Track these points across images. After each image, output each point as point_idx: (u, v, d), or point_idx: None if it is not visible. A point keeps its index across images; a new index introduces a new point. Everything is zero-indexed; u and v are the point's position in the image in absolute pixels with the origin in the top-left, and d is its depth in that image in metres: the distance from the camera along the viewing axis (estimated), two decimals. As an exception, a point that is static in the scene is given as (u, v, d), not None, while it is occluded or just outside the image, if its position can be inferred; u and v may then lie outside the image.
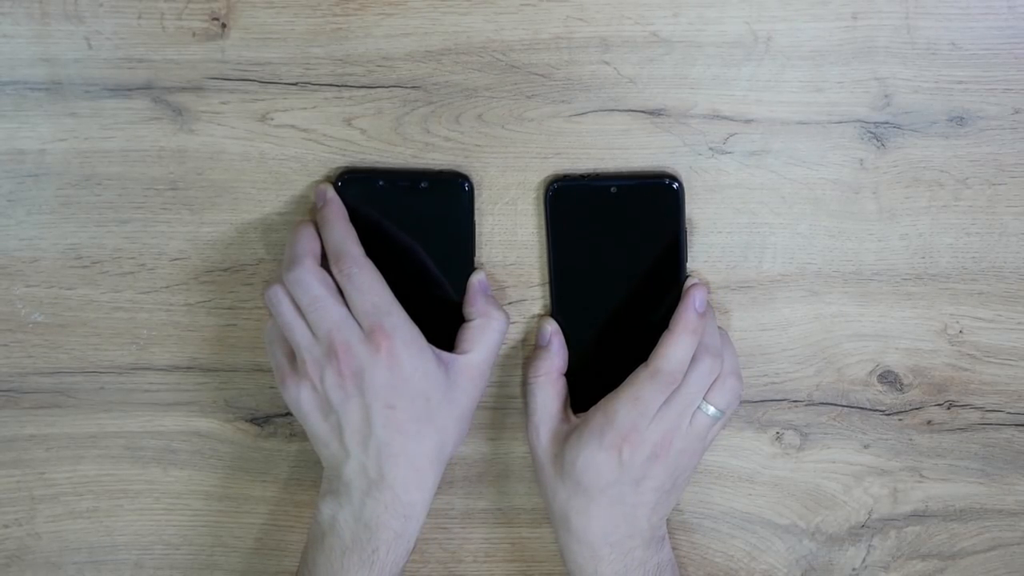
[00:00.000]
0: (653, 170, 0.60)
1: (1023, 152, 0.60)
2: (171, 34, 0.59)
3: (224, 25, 0.59)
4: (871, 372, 0.64)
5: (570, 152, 0.60)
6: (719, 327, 0.61)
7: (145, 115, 0.60)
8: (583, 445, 0.59)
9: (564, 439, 0.60)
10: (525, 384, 0.63)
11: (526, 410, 0.62)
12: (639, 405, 0.58)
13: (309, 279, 0.57)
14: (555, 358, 0.62)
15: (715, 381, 0.59)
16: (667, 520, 0.63)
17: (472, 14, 0.58)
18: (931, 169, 0.60)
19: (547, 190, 0.60)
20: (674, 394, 0.58)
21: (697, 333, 0.59)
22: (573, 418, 0.61)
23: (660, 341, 0.59)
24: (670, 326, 0.59)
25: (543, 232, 0.62)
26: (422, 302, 0.60)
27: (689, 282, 0.60)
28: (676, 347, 0.58)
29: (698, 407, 0.59)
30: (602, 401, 0.60)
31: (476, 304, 0.61)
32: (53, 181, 0.62)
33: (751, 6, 0.58)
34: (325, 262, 0.58)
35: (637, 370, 0.59)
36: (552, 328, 0.62)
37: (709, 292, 0.61)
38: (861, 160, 0.60)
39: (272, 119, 0.60)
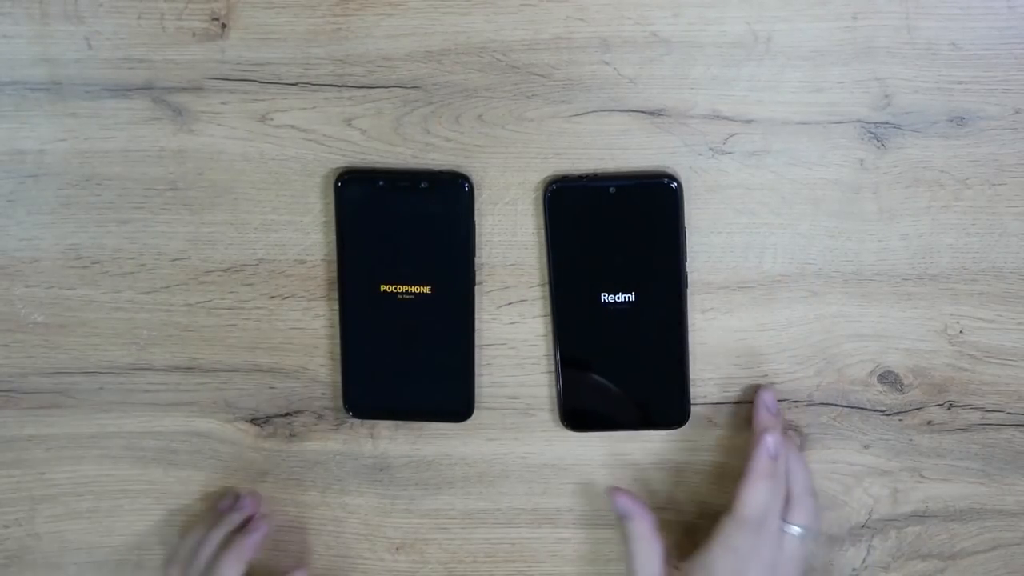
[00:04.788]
0: (652, 170, 0.60)
1: (1023, 152, 0.60)
2: (171, 34, 0.59)
3: (224, 25, 0.59)
4: (871, 372, 0.64)
5: (570, 152, 0.60)
6: (794, 446, 0.62)
7: (145, 115, 0.60)
8: None
9: None
10: (626, 549, 0.62)
11: (628, 572, 0.62)
12: (736, 553, 0.58)
13: None
14: (642, 521, 0.61)
15: (790, 502, 0.60)
16: (667, 520, 0.63)
17: (472, 14, 0.58)
18: (931, 169, 0.60)
19: (546, 190, 0.60)
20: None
21: (773, 477, 0.59)
22: (675, 571, 0.61)
23: (737, 487, 0.59)
24: (745, 472, 0.59)
25: (543, 232, 0.62)
26: (422, 302, 0.60)
27: (763, 422, 0.61)
28: (755, 492, 0.58)
29: (783, 531, 0.59)
30: (695, 556, 0.60)
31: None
32: (53, 181, 0.62)
33: (751, 6, 0.58)
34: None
35: (720, 522, 0.59)
36: (624, 499, 0.62)
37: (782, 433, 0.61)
38: (861, 160, 0.60)
39: (272, 119, 0.60)
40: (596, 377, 0.63)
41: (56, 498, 0.67)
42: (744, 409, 0.64)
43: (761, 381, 0.64)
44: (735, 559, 0.58)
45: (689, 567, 0.60)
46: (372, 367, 0.63)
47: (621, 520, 0.62)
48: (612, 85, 0.59)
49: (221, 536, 0.63)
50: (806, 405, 0.64)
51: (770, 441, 0.59)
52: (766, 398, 0.62)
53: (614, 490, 0.63)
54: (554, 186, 0.60)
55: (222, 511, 0.65)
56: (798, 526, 0.59)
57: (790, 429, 0.64)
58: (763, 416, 0.61)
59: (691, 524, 0.67)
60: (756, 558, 0.58)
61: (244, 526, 0.64)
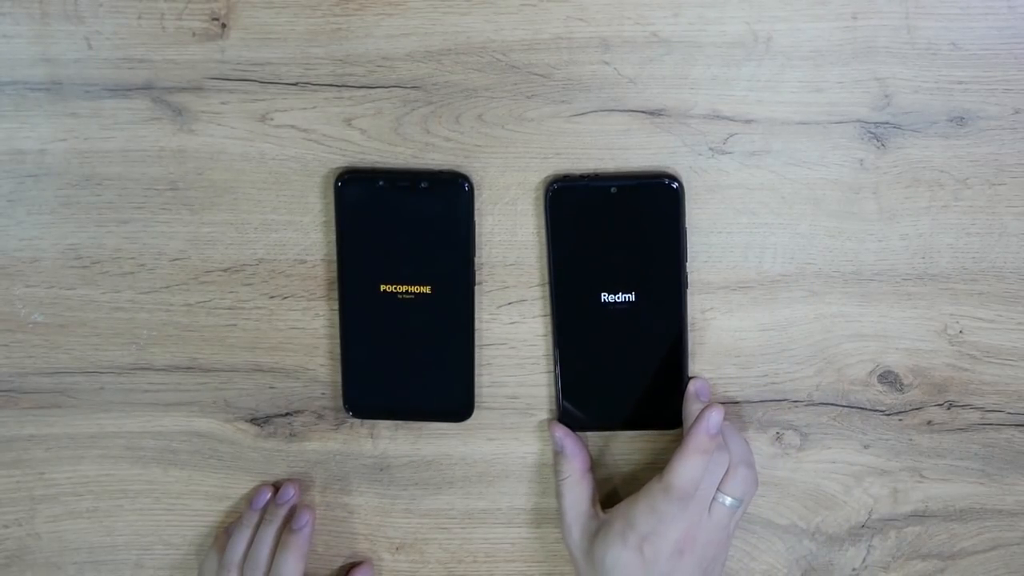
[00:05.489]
0: (653, 170, 0.60)
1: (1023, 152, 0.60)
2: (171, 34, 0.59)
3: (224, 25, 0.59)
4: (871, 372, 0.64)
5: (570, 152, 0.60)
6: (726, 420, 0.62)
7: (145, 115, 0.60)
8: (609, 544, 0.60)
9: (594, 536, 0.61)
10: (556, 486, 0.64)
11: (559, 509, 0.64)
12: (655, 514, 0.59)
13: None
14: (574, 460, 0.63)
15: (727, 472, 0.60)
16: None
17: (472, 14, 0.58)
18: (931, 169, 0.60)
19: (547, 190, 0.60)
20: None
21: (708, 453, 0.59)
22: (602, 514, 0.62)
23: (673, 457, 0.59)
24: (683, 444, 0.59)
25: (543, 232, 0.62)
26: (422, 302, 0.60)
27: (693, 413, 0.60)
28: (688, 467, 0.59)
29: (714, 499, 0.60)
30: (621, 505, 0.61)
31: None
32: (53, 181, 0.62)
33: (751, 6, 0.58)
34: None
35: (651, 482, 0.60)
36: (561, 433, 0.63)
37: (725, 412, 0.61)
38: (861, 160, 0.60)
39: (272, 119, 0.60)
40: (596, 377, 0.63)
41: (56, 498, 0.67)
42: (743, 409, 0.64)
43: (761, 381, 0.64)
44: (656, 520, 0.59)
45: (611, 516, 0.61)
46: (372, 367, 0.63)
47: (556, 456, 0.64)
48: (612, 85, 0.59)
49: (273, 533, 0.64)
50: (806, 405, 0.64)
51: (712, 417, 0.59)
52: (697, 385, 0.62)
53: (554, 424, 0.64)
54: (556, 185, 0.60)
55: (258, 507, 0.65)
56: (730, 496, 0.60)
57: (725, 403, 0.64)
58: (693, 406, 0.61)
59: (691, 524, 0.67)
60: (676, 523, 0.59)
61: (289, 518, 0.65)
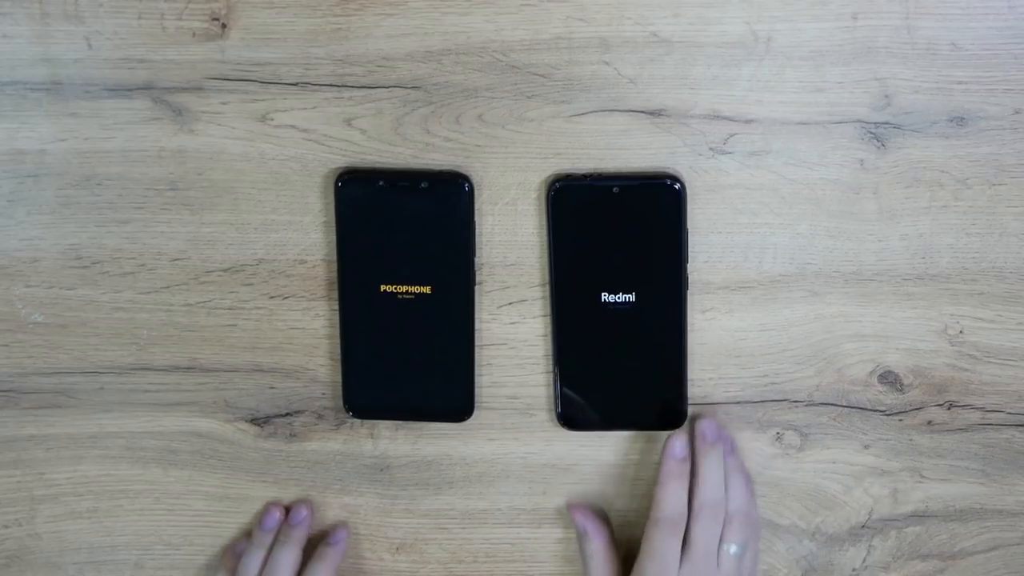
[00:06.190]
0: (655, 171, 0.60)
1: (1023, 152, 0.60)
2: (171, 34, 0.59)
3: (224, 25, 0.59)
4: (871, 372, 0.64)
5: (570, 152, 0.60)
6: (726, 461, 0.62)
7: (145, 115, 0.60)
8: None
9: None
10: (582, 562, 0.64)
11: None
12: (658, 558, 0.60)
13: None
14: (597, 538, 0.63)
15: (724, 523, 0.61)
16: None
17: (472, 14, 0.58)
18: (931, 169, 0.60)
19: (549, 190, 0.60)
20: (689, 551, 0.60)
21: (682, 476, 0.61)
22: None
23: (653, 493, 0.61)
24: (658, 478, 0.61)
25: (543, 232, 0.62)
26: (422, 302, 0.60)
27: (708, 438, 0.62)
28: (666, 494, 0.61)
29: (719, 551, 0.60)
30: (634, 566, 0.61)
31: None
32: (53, 181, 0.62)
33: (751, 6, 0.58)
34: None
35: (645, 525, 0.61)
36: (581, 515, 0.64)
37: (688, 440, 0.62)
38: (861, 160, 0.60)
39: (272, 119, 0.60)
40: (595, 377, 0.63)
41: (56, 498, 0.67)
42: (743, 409, 0.64)
43: (761, 381, 0.64)
44: (660, 564, 0.60)
45: None
46: (372, 367, 0.63)
47: (579, 536, 0.64)
48: (612, 85, 0.59)
49: (289, 554, 0.63)
50: (806, 405, 0.64)
51: (674, 444, 0.61)
52: (675, 446, 0.62)
53: (572, 507, 0.65)
54: (558, 185, 0.60)
55: (269, 528, 0.65)
56: (734, 544, 0.61)
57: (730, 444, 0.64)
58: (668, 464, 0.62)
59: (691, 524, 0.67)
60: (685, 572, 0.59)
61: (301, 537, 0.65)
